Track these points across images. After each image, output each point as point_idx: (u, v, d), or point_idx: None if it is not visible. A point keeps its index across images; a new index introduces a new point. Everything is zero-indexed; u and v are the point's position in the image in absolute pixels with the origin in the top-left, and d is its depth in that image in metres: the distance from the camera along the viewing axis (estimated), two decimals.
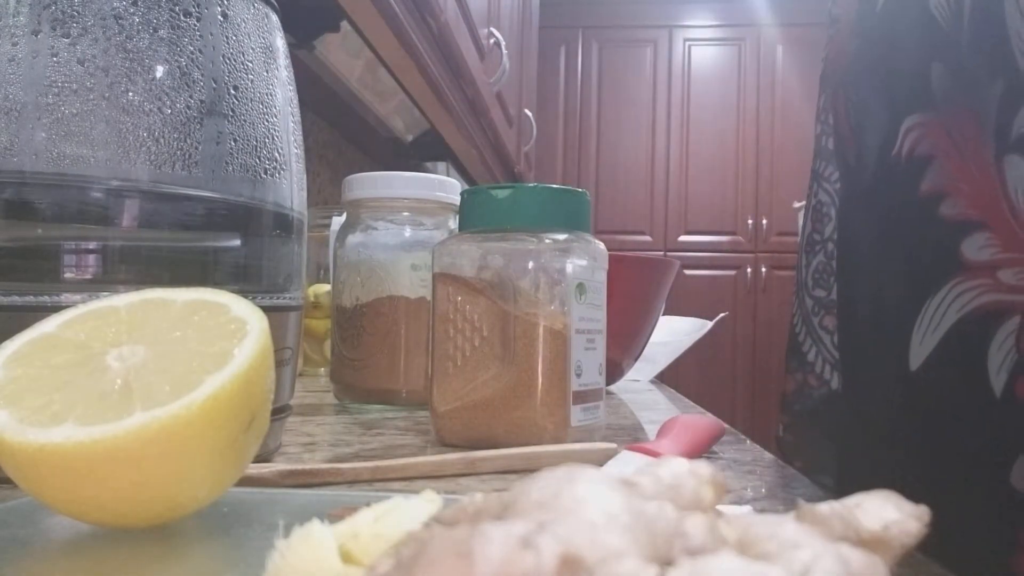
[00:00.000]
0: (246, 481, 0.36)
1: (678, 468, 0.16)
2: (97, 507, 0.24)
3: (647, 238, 3.82)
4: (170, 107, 0.37)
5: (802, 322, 0.43)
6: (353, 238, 0.72)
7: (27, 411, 0.23)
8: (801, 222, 0.46)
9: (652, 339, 1.00)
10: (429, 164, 2.02)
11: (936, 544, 0.25)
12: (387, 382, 0.70)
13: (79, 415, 0.22)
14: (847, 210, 0.40)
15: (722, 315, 1.31)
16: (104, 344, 0.25)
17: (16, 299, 0.36)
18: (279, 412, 0.45)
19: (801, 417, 0.44)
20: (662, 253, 3.71)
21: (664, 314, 1.06)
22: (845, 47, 0.41)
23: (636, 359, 0.99)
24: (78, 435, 0.22)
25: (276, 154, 0.42)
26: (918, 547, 0.17)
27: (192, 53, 0.38)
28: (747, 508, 0.34)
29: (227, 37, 0.40)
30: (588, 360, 0.51)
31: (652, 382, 1.19)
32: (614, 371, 0.94)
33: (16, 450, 0.22)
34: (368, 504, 0.21)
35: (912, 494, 0.18)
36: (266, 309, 0.28)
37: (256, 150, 0.40)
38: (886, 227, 0.35)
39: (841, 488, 0.38)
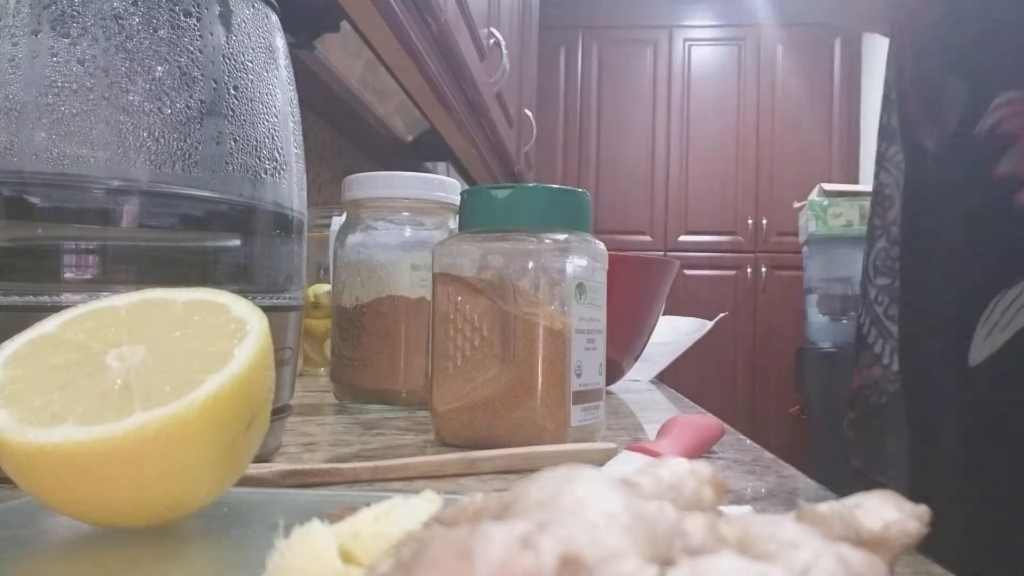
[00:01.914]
0: (246, 481, 0.36)
1: (678, 468, 0.16)
2: (97, 507, 0.24)
3: (647, 238, 3.82)
4: (170, 107, 0.37)
5: (866, 312, 0.42)
6: (353, 238, 0.72)
7: (27, 411, 0.23)
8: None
9: (652, 339, 1.00)
10: (429, 164, 2.02)
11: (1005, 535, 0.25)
12: (387, 382, 0.70)
13: (79, 415, 0.22)
14: (912, 192, 0.38)
15: (722, 315, 1.31)
16: (104, 344, 0.25)
17: (16, 299, 0.36)
18: (279, 412, 0.45)
19: (867, 414, 0.43)
20: (662, 253, 3.71)
21: (664, 314, 1.06)
22: (921, 19, 0.37)
23: (636, 359, 0.99)
24: (78, 435, 0.22)
25: (276, 154, 0.42)
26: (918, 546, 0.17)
27: (192, 53, 0.38)
28: (747, 508, 0.34)
29: (227, 37, 0.40)
30: (588, 360, 0.51)
31: (652, 382, 1.19)
32: (614, 371, 0.94)
33: (16, 450, 0.22)
34: (368, 504, 0.21)
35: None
36: (266, 309, 0.28)
37: (256, 150, 0.40)
38: (955, 213, 0.33)
39: (906, 487, 0.38)
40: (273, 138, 0.42)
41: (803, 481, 0.43)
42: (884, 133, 0.41)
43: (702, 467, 0.16)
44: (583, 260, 0.51)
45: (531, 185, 0.53)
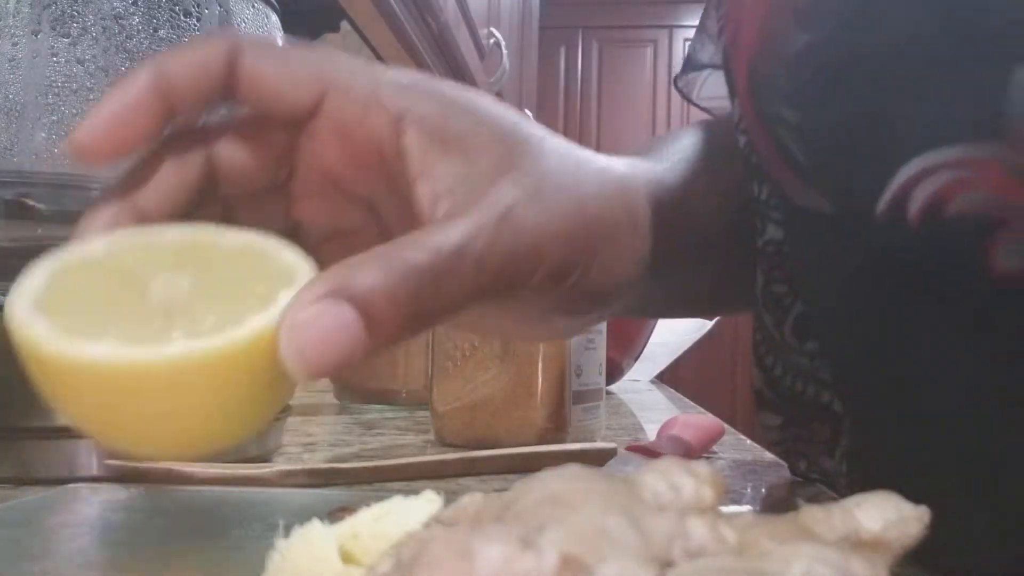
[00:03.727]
0: (246, 481, 0.36)
1: (678, 468, 0.16)
2: (128, 431, 0.23)
3: None
4: None
5: (806, 384, 0.39)
6: None
7: (66, 323, 0.22)
8: None
9: (652, 339, 1.00)
10: None
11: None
12: (387, 382, 0.70)
13: (119, 335, 0.22)
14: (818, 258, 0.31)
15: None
16: (149, 271, 0.24)
17: None
18: (279, 412, 0.45)
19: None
20: None
21: None
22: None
23: (636, 359, 0.99)
24: (117, 352, 0.21)
25: None
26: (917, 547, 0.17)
27: None
28: (747, 509, 0.34)
29: None
30: (588, 360, 0.51)
31: (652, 382, 1.19)
32: (614, 371, 0.94)
33: (53, 361, 0.22)
34: (368, 504, 0.21)
35: None
36: None
37: None
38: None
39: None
40: None
41: (803, 481, 0.43)
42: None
43: (702, 467, 0.16)
44: None
45: None
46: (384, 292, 0.23)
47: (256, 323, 0.22)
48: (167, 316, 0.23)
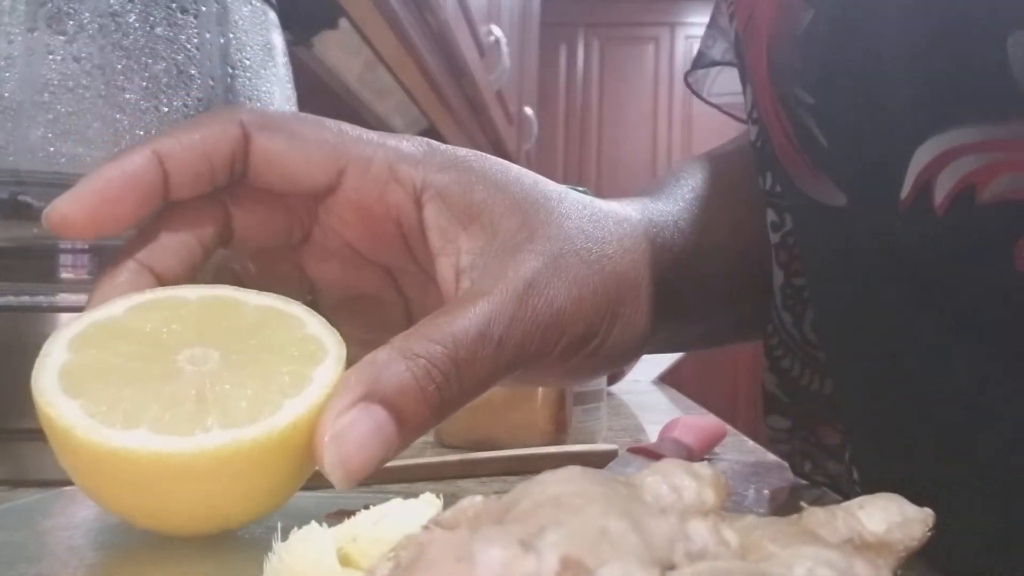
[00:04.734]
0: None
1: (679, 470, 0.16)
2: (152, 515, 0.23)
3: None
4: (167, 105, 0.37)
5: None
6: None
7: (98, 406, 0.22)
8: None
9: None
10: None
11: None
12: None
13: (152, 421, 0.22)
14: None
15: None
16: (174, 340, 0.24)
17: (12, 299, 0.36)
18: None
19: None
20: None
21: None
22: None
23: (637, 359, 0.99)
24: (152, 444, 0.21)
25: None
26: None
27: (189, 51, 0.38)
28: (750, 511, 0.34)
29: (224, 34, 0.39)
30: None
31: (654, 382, 1.19)
32: (615, 372, 0.94)
33: (85, 448, 0.21)
34: (367, 506, 0.21)
35: None
36: None
37: None
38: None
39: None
40: None
41: (806, 483, 0.43)
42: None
43: (704, 469, 0.16)
44: None
45: None
46: (413, 391, 0.23)
47: (292, 410, 0.23)
48: (200, 398, 0.22)
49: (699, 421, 0.52)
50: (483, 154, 0.29)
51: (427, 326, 0.24)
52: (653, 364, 1.15)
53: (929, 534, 0.16)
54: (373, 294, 0.30)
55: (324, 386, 0.23)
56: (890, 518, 0.17)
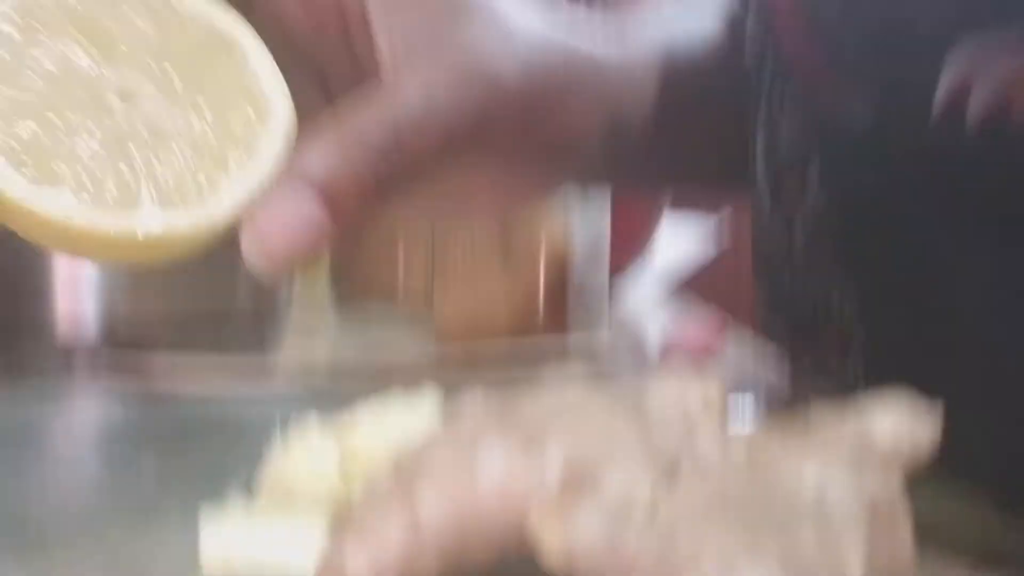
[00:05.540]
0: (243, 376, 0.35)
1: (685, 381, 0.16)
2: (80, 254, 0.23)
3: None
4: None
5: None
6: None
7: (15, 147, 0.19)
8: None
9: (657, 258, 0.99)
10: None
11: None
12: (386, 282, 0.70)
13: (77, 181, 0.20)
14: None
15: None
16: (98, 51, 0.21)
17: None
18: (283, 308, 0.44)
19: None
20: None
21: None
22: None
23: (642, 255, 0.98)
24: (79, 216, 0.19)
25: None
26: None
27: None
28: (753, 409, 0.33)
29: None
30: (591, 259, 0.51)
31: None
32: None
33: (15, 207, 0.19)
34: (366, 397, 0.21)
35: None
36: None
37: None
38: None
39: None
40: None
41: (812, 384, 0.43)
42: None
43: (709, 379, 0.16)
44: None
45: None
46: (345, 168, 0.21)
47: (234, 194, 0.20)
48: (131, 163, 0.20)
49: (697, 325, 0.52)
50: None
51: (359, 104, 0.22)
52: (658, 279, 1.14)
53: (938, 433, 0.16)
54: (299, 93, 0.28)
55: (269, 159, 0.21)
56: (898, 418, 0.16)
